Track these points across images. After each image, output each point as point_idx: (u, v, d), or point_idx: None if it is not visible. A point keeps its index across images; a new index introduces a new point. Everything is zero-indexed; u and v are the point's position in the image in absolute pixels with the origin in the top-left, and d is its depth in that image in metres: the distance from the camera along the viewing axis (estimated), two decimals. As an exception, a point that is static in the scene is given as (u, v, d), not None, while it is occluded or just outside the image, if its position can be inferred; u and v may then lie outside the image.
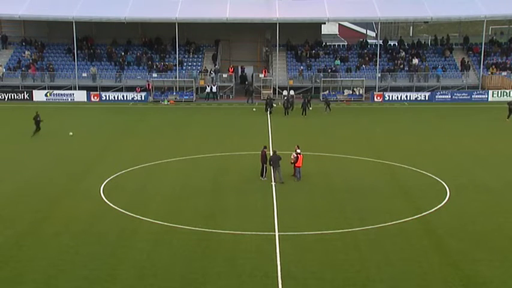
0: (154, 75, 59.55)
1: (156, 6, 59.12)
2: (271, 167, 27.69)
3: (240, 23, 59.63)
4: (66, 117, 47.40)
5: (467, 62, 61.49)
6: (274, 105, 50.52)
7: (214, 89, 58.62)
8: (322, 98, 55.68)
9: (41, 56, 62.25)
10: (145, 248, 20.01)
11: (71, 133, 39.92)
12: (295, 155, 28.05)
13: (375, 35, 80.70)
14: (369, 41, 71.07)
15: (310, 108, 49.73)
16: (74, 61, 60.04)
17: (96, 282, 17.40)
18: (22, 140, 38.63)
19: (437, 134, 40.50)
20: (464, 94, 58.06)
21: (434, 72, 60.51)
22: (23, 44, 64.26)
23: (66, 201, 25.24)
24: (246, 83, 64.06)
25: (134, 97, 57.32)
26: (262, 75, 59.84)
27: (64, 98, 57.46)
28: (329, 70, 59.90)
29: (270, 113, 48.82)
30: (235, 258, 19.14)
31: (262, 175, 28.10)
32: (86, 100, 57.16)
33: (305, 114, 48.00)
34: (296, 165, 27.94)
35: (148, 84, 57.90)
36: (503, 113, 46.04)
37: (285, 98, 52.31)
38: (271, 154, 28.05)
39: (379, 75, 59.77)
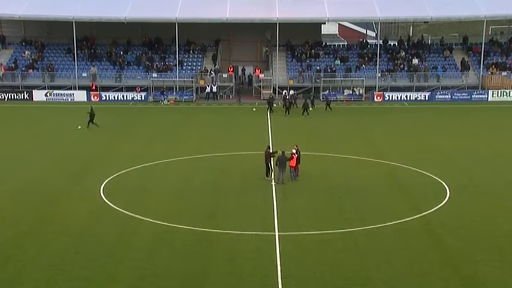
0: (154, 75, 59.58)
1: (156, 6, 59.12)
2: (277, 167, 27.56)
3: (240, 23, 59.65)
4: (66, 117, 47.31)
5: (467, 62, 61.52)
6: (275, 105, 50.66)
7: (214, 89, 58.62)
8: (323, 98, 55.76)
9: (41, 56, 62.27)
10: (145, 248, 20.00)
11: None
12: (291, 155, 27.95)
13: (374, 35, 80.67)
14: (369, 41, 71.08)
15: (311, 108, 49.69)
16: (74, 61, 60.08)
17: (96, 282, 17.38)
18: (22, 140, 38.68)
19: (437, 134, 40.50)
20: (464, 94, 58.10)
21: (434, 72, 60.54)
22: (23, 44, 64.29)
23: (66, 201, 25.22)
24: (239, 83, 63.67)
25: (134, 97, 57.36)
26: (262, 75, 59.90)
27: (64, 98, 57.50)
28: (329, 70, 59.93)
29: (271, 111, 48.98)
30: (235, 258, 19.13)
31: (267, 175, 28.01)
32: (86, 100, 57.18)
33: (307, 114, 48.00)
34: (290, 164, 27.82)
35: (92, 84, 58.07)
36: (504, 113, 46.05)
37: (286, 97, 52.30)
38: (280, 154, 27.61)
39: (379, 75, 59.80)
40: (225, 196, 25.89)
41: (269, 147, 28.85)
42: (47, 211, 23.86)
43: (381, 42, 64.97)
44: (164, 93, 56.94)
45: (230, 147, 35.59)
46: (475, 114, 50.03)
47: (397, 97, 57.79)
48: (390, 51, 64.07)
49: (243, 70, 67.10)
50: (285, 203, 24.68)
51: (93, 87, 58.28)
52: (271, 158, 28.05)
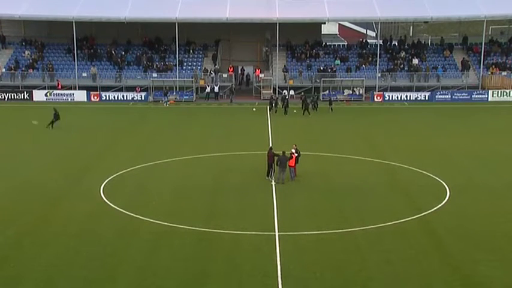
0: (154, 75, 59.58)
1: (156, 6, 59.12)
2: (278, 167, 27.54)
3: (240, 23, 59.64)
4: (66, 117, 47.21)
5: (467, 62, 61.50)
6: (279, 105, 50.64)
7: (216, 89, 58.54)
8: (323, 98, 55.77)
9: (41, 56, 62.27)
10: (145, 248, 20.00)
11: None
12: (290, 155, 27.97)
13: (374, 35, 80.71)
14: (369, 41, 71.09)
15: (313, 109, 49.75)
16: (74, 61, 60.09)
17: (96, 282, 17.38)
18: (22, 140, 38.67)
19: (437, 134, 40.49)
20: (464, 94, 58.10)
21: (434, 72, 60.54)
22: (23, 44, 64.30)
23: (66, 201, 25.22)
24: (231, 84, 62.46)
25: (134, 97, 57.35)
26: (262, 75, 59.92)
27: (64, 98, 57.52)
28: (329, 70, 59.92)
29: (275, 112, 49.06)
30: (235, 258, 19.13)
31: (268, 175, 28.01)
32: (86, 100, 57.22)
33: (308, 114, 48.12)
34: (289, 164, 27.81)
35: (58, 83, 58.23)
36: (504, 113, 46.04)
37: (285, 98, 52.32)
38: (280, 154, 27.59)
39: (379, 75, 59.79)
40: (225, 196, 25.89)
41: (272, 148, 28.80)
42: (47, 211, 23.85)
43: (380, 42, 64.98)
44: (167, 94, 56.16)
45: (230, 147, 35.59)
46: (475, 114, 50.01)
47: (397, 97, 57.78)
48: (390, 51, 64.06)
49: (242, 70, 67.11)
50: (285, 203, 24.68)
51: (59, 86, 58.21)
52: (274, 159, 28.01)
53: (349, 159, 32.62)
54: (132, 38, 64.36)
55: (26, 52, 62.58)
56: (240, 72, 67.22)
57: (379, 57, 60.56)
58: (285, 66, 60.97)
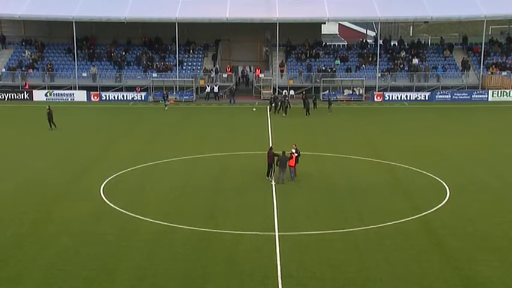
0: (154, 75, 59.58)
1: (156, 6, 59.18)
2: (278, 167, 27.54)
3: (240, 23, 59.67)
4: (66, 117, 47.25)
5: (467, 62, 61.50)
6: (273, 104, 50.66)
7: (216, 89, 58.56)
8: (323, 98, 55.77)
9: (41, 56, 62.28)
10: (145, 248, 20.00)
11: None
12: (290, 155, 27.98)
13: (374, 35, 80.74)
14: (369, 41, 71.09)
15: (314, 108, 49.84)
16: (74, 61, 60.10)
17: (96, 282, 17.38)
18: (22, 140, 38.67)
19: (437, 134, 40.50)
20: (464, 94, 58.12)
21: (434, 72, 60.55)
22: (23, 44, 64.31)
23: (66, 201, 25.23)
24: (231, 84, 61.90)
25: (134, 97, 57.36)
26: (262, 75, 59.93)
27: (64, 97, 57.54)
28: (329, 70, 59.92)
29: (276, 112, 49.11)
30: (235, 258, 19.13)
31: (268, 175, 28.02)
32: (86, 100, 57.24)
33: (309, 115, 48.12)
34: (289, 164, 27.81)
35: (26, 83, 58.15)
36: (504, 113, 46.04)
37: (286, 97, 52.35)
38: (280, 154, 27.59)
39: (379, 75, 59.80)
40: (225, 196, 25.89)
41: (272, 147, 28.80)
42: (47, 211, 23.86)
43: (381, 42, 64.98)
44: (166, 97, 54.31)
45: (230, 147, 35.60)
46: (475, 114, 50.03)
47: (397, 97, 57.80)
48: (390, 51, 64.07)
49: (243, 71, 67.10)
50: (285, 203, 24.68)
51: (26, 86, 58.12)
52: (274, 159, 28.00)
53: (349, 159, 32.63)
54: (132, 38, 64.38)
55: (26, 52, 62.59)
56: (241, 73, 67.16)
57: (379, 57, 60.59)
58: (282, 61, 60.90)
